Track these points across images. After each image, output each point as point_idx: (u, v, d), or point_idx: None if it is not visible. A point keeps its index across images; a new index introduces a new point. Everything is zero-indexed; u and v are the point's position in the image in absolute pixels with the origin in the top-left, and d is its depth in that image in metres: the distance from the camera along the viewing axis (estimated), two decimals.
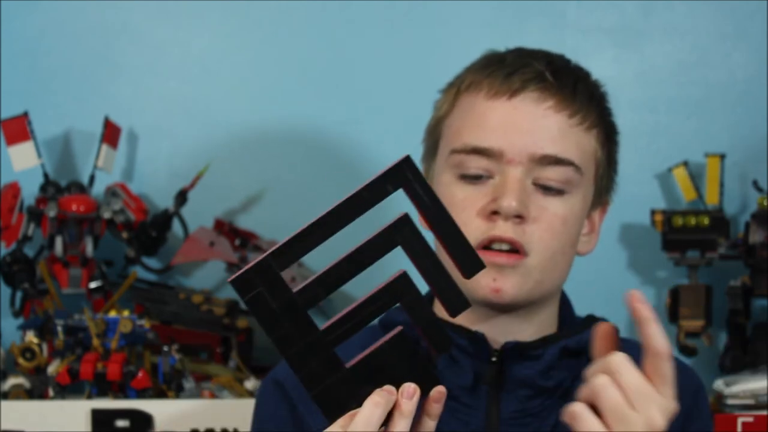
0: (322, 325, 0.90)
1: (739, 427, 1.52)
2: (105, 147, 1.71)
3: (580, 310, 1.24)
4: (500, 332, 1.15)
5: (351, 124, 1.78)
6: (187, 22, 1.81)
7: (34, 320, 1.61)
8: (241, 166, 1.80)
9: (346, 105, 1.78)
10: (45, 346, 1.59)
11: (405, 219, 0.89)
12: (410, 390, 0.89)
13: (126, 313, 1.56)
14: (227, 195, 1.79)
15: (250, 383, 1.60)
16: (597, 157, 1.17)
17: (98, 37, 1.80)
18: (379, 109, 1.77)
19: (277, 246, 0.88)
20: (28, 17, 1.79)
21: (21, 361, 1.57)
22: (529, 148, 1.13)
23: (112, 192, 1.71)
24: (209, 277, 1.78)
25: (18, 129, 1.68)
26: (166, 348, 1.56)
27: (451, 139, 1.17)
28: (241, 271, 0.88)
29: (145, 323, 1.57)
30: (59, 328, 1.57)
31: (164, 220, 1.71)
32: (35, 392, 1.58)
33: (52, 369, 1.56)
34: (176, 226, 1.73)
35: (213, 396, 1.56)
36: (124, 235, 1.70)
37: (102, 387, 1.53)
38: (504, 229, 1.11)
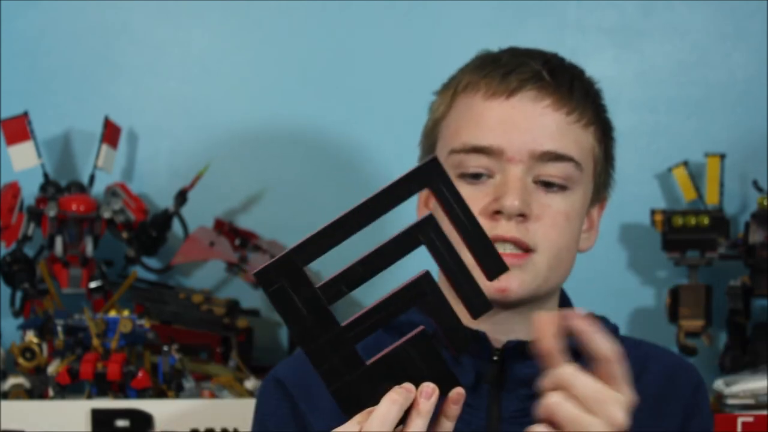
0: (343, 321, 0.90)
1: (739, 427, 1.52)
2: (105, 147, 1.71)
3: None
4: (501, 331, 1.15)
5: (351, 124, 1.78)
6: (187, 22, 1.81)
7: (34, 320, 1.61)
8: (241, 166, 1.80)
9: (346, 105, 1.79)
10: (45, 346, 1.59)
11: (430, 219, 0.89)
12: (429, 390, 0.89)
13: (126, 313, 1.56)
14: (227, 195, 1.79)
15: (250, 383, 1.60)
16: (595, 153, 1.18)
17: (98, 37, 1.80)
18: (379, 108, 1.77)
19: (301, 241, 0.88)
20: (28, 17, 1.79)
21: (21, 361, 1.57)
22: (529, 146, 1.13)
23: (112, 192, 1.71)
24: (209, 277, 1.78)
25: (18, 129, 1.68)
26: (166, 348, 1.56)
27: (450, 140, 1.17)
28: (265, 264, 0.88)
29: (145, 323, 1.57)
30: (59, 328, 1.57)
31: (164, 220, 1.71)
32: (35, 392, 1.58)
33: (52, 369, 1.56)
34: (176, 226, 1.73)
35: (213, 396, 1.56)
36: (124, 235, 1.70)
37: (102, 387, 1.53)
38: (507, 228, 1.12)
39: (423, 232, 0.89)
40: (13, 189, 1.69)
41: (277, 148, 1.79)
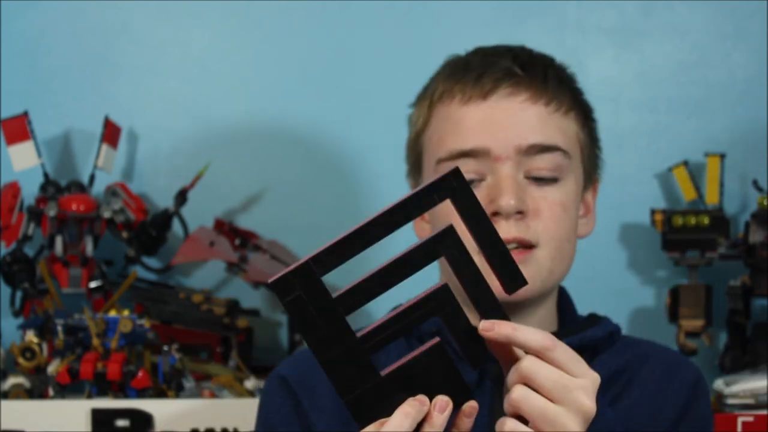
0: (359, 331, 0.89)
1: (739, 427, 1.51)
2: (105, 147, 1.71)
3: (581, 309, 1.25)
4: None
5: (351, 124, 1.78)
6: (187, 22, 1.81)
7: (34, 320, 1.61)
8: (241, 166, 1.80)
9: (346, 105, 1.78)
10: (45, 346, 1.59)
11: (450, 230, 0.89)
12: (443, 403, 0.89)
13: (126, 312, 1.56)
14: (227, 195, 1.79)
15: (250, 383, 1.60)
16: (580, 138, 1.19)
17: (98, 37, 1.80)
18: (379, 108, 1.77)
19: (319, 251, 0.87)
20: (28, 17, 1.79)
21: (21, 360, 1.57)
22: (514, 142, 1.13)
23: (112, 191, 1.71)
24: (209, 276, 1.78)
25: (18, 129, 1.68)
26: (166, 348, 1.56)
27: (435, 150, 1.17)
28: (282, 273, 0.87)
29: (145, 323, 1.57)
30: (59, 328, 1.57)
31: (164, 219, 1.71)
32: (35, 392, 1.58)
33: (52, 369, 1.56)
34: (176, 225, 1.73)
35: (213, 396, 1.56)
36: (124, 234, 1.70)
37: (102, 387, 1.53)
38: (507, 228, 1.12)
39: (443, 244, 0.89)
40: (13, 189, 1.69)
41: (277, 148, 1.79)
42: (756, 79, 1.76)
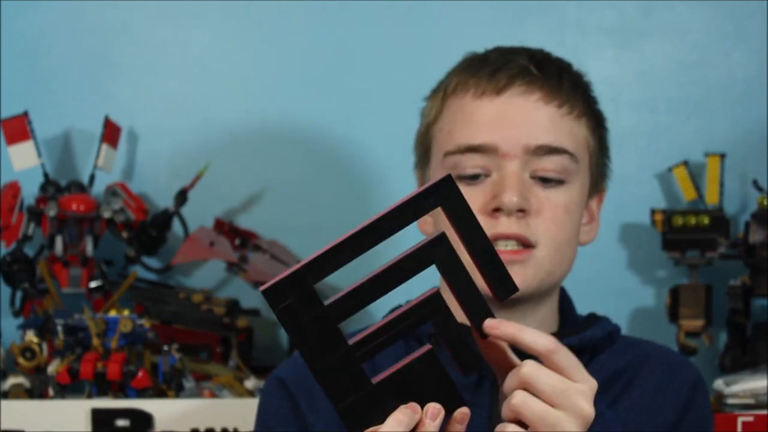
0: (351, 338, 0.89)
1: (739, 427, 1.51)
2: (105, 147, 1.71)
3: (581, 309, 1.25)
4: None
5: (351, 124, 1.78)
6: (187, 22, 1.81)
7: (34, 320, 1.61)
8: (241, 166, 1.80)
9: (346, 105, 1.78)
10: (45, 346, 1.59)
11: (442, 237, 0.89)
12: (435, 411, 0.88)
13: (126, 312, 1.56)
14: (227, 195, 1.79)
15: (250, 383, 1.60)
16: (589, 144, 1.18)
17: (98, 37, 1.80)
18: (379, 108, 1.77)
19: (312, 258, 0.87)
20: (28, 17, 1.79)
21: (21, 360, 1.57)
22: (523, 141, 1.13)
23: (112, 191, 1.71)
24: (209, 276, 1.78)
25: (18, 128, 1.68)
26: (166, 347, 1.56)
27: (444, 143, 1.17)
28: (274, 281, 0.86)
29: (145, 323, 1.57)
30: (59, 328, 1.57)
31: (164, 219, 1.71)
32: (35, 392, 1.58)
33: (52, 369, 1.56)
34: (176, 225, 1.73)
35: (213, 395, 1.56)
36: (124, 234, 1.70)
37: (102, 387, 1.53)
38: (508, 225, 1.12)
39: (435, 252, 0.88)
40: (13, 189, 1.69)
41: (277, 148, 1.79)
42: (756, 79, 1.76)
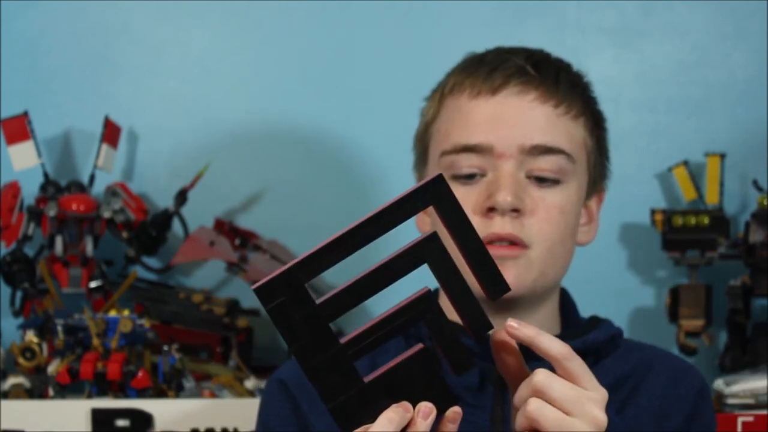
0: (342, 336, 0.89)
1: (739, 427, 1.51)
2: (105, 147, 1.71)
3: (581, 309, 1.24)
4: None
5: (351, 124, 1.78)
6: (187, 22, 1.81)
7: (34, 320, 1.61)
8: (241, 166, 1.80)
9: (346, 105, 1.78)
10: (45, 346, 1.59)
11: (433, 236, 0.89)
12: (426, 410, 0.88)
13: (126, 312, 1.56)
14: (227, 195, 1.79)
15: (250, 383, 1.60)
16: (587, 144, 1.18)
17: (98, 37, 1.80)
18: (379, 108, 1.77)
19: (304, 256, 0.87)
20: (28, 17, 1.79)
21: (21, 360, 1.57)
22: (518, 140, 1.13)
23: (112, 191, 1.71)
24: (209, 276, 1.78)
25: (18, 128, 1.68)
26: (166, 347, 1.56)
27: (441, 142, 1.17)
28: (266, 279, 0.86)
29: (145, 323, 1.57)
30: (59, 328, 1.57)
31: (164, 219, 1.71)
32: (35, 392, 1.58)
33: (52, 369, 1.56)
34: (176, 225, 1.73)
35: (213, 396, 1.56)
36: (124, 234, 1.70)
37: (102, 387, 1.53)
38: (502, 225, 1.12)
39: (427, 251, 0.88)
40: (13, 189, 1.69)
41: (277, 148, 1.79)
42: (756, 79, 1.76)
